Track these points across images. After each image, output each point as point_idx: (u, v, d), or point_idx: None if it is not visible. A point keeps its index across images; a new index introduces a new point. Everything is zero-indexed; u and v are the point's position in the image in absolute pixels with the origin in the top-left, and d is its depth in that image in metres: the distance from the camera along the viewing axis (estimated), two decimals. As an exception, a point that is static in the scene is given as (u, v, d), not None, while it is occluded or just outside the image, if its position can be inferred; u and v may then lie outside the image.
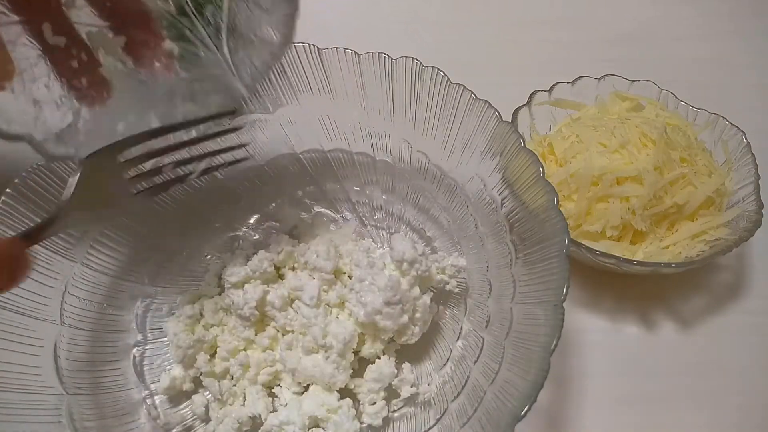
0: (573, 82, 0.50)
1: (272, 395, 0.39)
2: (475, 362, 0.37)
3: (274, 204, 0.48)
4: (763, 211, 0.41)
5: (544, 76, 0.51)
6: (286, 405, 0.37)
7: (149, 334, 0.41)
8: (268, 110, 0.43)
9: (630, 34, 0.66)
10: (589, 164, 0.42)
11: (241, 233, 0.47)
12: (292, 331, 0.39)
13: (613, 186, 0.42)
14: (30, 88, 0.29)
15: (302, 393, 0.38)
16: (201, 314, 0.40)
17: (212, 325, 0.40)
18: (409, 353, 0.40)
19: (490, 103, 0.36)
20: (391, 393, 0.38)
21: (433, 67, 0.38)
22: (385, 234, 0.47)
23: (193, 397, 0.39)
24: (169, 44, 0.32)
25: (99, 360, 0.38)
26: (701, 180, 0.43)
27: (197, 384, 0.39)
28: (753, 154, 0.44)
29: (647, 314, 0.44)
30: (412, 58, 0.38)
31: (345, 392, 0.37)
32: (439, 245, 0.45)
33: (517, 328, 0.33)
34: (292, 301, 0.40)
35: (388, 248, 0.43)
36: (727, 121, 0.47)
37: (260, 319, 0.39)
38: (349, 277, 0.40)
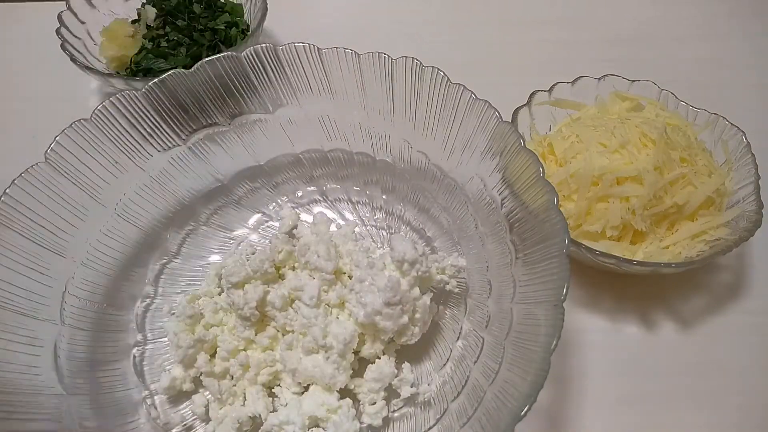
0: (573, 82, 0.50)
1: (272, 395, 0.39)
2: (475, 362, 0.37)
3: (274, 204, 0.48)
4: (763, 211, 0.41)
5: (544, 76, 0.51)
6: (286, 405, 0.37)
7: (149, 334, 0.41)
8: (268, 110, 0.43)
9: (630, 34, 0.66)
10: (589, 164, 0.42)
11: (241, 233, 0.47)
12: (293, 331, 0.39)
13: (613, 186, 0.42)
14: None
15: (302, 393, 0.38)
16: (201, 314, 0.40)
17: (212, 325, 0.40)
18: (409, 353, 0.40)
19: (490, 103, 0.36)
20: (391, 393, 0.38)
21: (433, 67, 0.38)
22: (385, 234, 0.47)
23: (193, 397, 0.39)
24: None
25: (99, 360, 0.38)
26: (701, 180, 0.43)
27: (197, 384, 0.39)
28: (753, 154, 0.44)
29: (647, 314, 0.44)
30: (412, 58, 0.38)
31: (345, 392, 0.37)
32: (439, 245, 0.45)
33: (517, 328, 0.33)
34: (293, 301, 0.40)
35: (388, 248, 0.43)
36: (727, 121, 0.47)
37: (260, 319, 0.39)
38: (349, 277, 0.40)
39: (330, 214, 0.48)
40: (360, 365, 0.38)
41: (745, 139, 0.45)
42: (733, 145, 0.46)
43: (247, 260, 0.41)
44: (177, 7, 0.57)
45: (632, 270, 0.40)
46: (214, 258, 0.46)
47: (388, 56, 0.39)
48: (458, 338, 0.40)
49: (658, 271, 0.40)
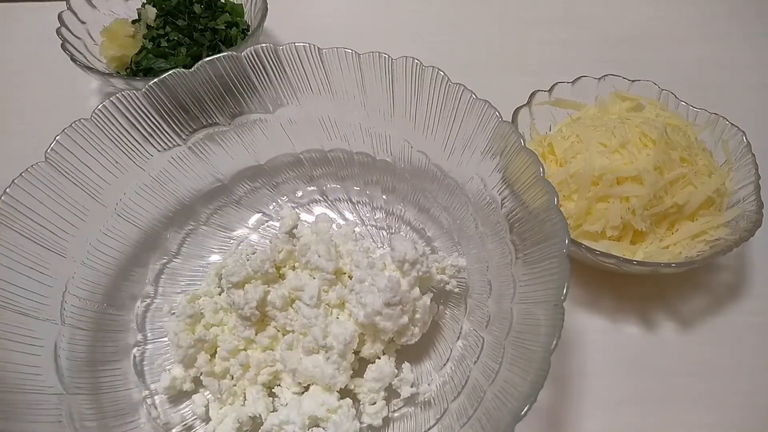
0: (573, 82, 0.50)
1: (272, 395, 0.39)
2: (475, 362, 0.37)
3: (274, 204, 0.48)
4: (763, 211, 0.41)
5: (544, 76, 0.51)
6: (286, 405, 0.37)
7: (149, 334, 0.41)
8: (268, 110, 0.43)
9: (630, 34, 0.66)
10: (589, 164, 0.42)
11: (241, 233, 0.47)
12: (293, 331, 0.39)
13: (613, 186, 0.42)
14: None
15: (302, 393, 0.38)
16: (201, 314, 0.40)
17: (212, 325, 0.40)
18: (409, 353, 0.40)
19: (490, 103, 0.36)
20: (391, 393, 0.38)
21: (433, 67, 0.38)
22: (385, 234, 0.47)
23: (193, 396, 0.39)
24: None
25: (99, 360, 0.38)
26: (701, 180, 0.43)
27: (197, 384, 0.39)
28: (753, 154, 0.44)
29: (647, 314, 0.44)
30: (412, 58, 0.38)
31: (345, 392, 0.37)
32: (439, 245, 0.45)
33: (517, 328, 0.33)
34: (293, 301, 0.40)
35: (388, 248, 0.43)
36: (727, 121, 0.47)
37: (261, 319, 0.39)
38: (350, 277, 0.40)
39: (330, 214, 0.48)
40: (360, 365, 0.38)
41: (745, 139, 0.45)
42: (733, 145, 0.46)
43: (248, 260, 0.41)
44: (177, 7, 0.57)
45: (632, 270, 0.40)
46: (214, 258, 0.46)
47: (388, 56, 0.39)
48: (458, 338, 0.40)
49: (658, 271, 0.40)
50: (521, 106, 0.48)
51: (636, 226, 0.42)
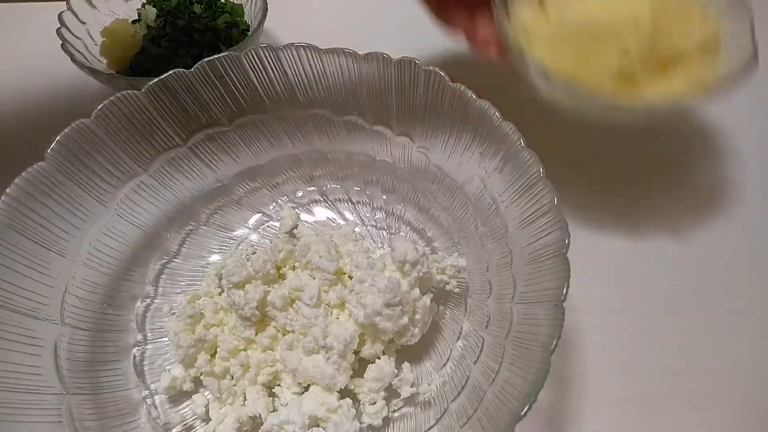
0: None
1: (272, 395, 0.39)
2: (475, 362, 0.37)
3: (274, 204, 0.48)
4: (757, 58, 0.40)
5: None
6: (286, 405, 0.37)
7: (149, 334, 0.41)
8: (268, 110, 0.43)
9: None
10: (583, 10, 0.41)
11: (241, 233, 0.47)
12: (293, 332, 0.39)
13: (609, 32, 0.41)
14: None
15: (302, 393, 0.38)
16: (201, 314, 0.41)
17: (212, 325, 0.40)
18: (409, 353, 0.40)
19: (490, 103, 0.36)
20: (391, 393, 0.38)
21: (432, 67, 0.38)
22: (385, 234, 0.47)
23: (193, 396, 0.39)
24: None
25: (99, 360, 0.38)
26: (697, 24, 0.42)
27: (197, 384, 0.39)
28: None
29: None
30: (412, 58, 0.38)
31: (345, 392, 0.37)
32: (439, 245, 0.45)
33: (517, 328, 0.33)
34: (293, 301, 0.40)
35: (388, 249, 0.43)
36: None
37: (261, 319, 0.39)
38: (350, 277, 0.40)
39: (330, 214, 0.48)
40: (360, 365, 0.38)
41: None
42: None
43: (248, 260, 0.41)
44: (177, 7, 0.57)
45: (627, 119, 0.40)
46: (214, 258, 0.46)
47: (388, 56, 0.39)
48: (458, 338, 0.40)
49: (654, 112, 0.40)
50: None
51: (632, 72, 0.40)
